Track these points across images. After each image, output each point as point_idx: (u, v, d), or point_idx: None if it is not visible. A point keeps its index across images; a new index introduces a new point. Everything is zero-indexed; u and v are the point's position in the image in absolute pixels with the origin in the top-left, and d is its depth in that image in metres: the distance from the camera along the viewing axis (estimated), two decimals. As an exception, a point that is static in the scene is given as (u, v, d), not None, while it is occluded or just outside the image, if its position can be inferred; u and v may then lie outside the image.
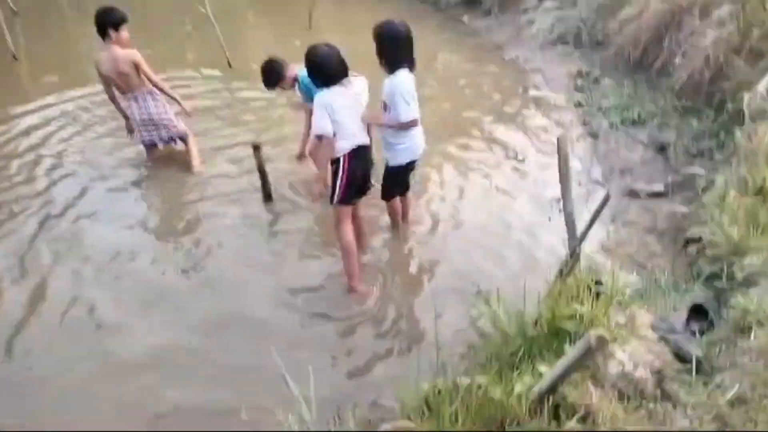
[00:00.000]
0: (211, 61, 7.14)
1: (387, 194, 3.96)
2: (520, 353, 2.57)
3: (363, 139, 3.47)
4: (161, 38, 7.99)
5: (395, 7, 8.28)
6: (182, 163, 4.99)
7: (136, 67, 4.52)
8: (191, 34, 8.52)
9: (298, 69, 4.09)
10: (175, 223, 4.40)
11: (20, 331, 3.36)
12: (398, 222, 4.17)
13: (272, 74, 4.24)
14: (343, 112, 3.33)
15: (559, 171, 3.20)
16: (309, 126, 4.29)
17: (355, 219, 3.78)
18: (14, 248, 4.04)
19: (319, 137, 3.37)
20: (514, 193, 4.61)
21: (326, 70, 3.32)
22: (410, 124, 3.54)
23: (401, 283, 3.77)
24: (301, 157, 4.84)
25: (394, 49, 3.43)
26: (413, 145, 3.68)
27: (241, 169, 4.92)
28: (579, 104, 5.90)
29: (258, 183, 4.45)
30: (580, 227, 3.05)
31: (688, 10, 5.58)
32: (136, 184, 4.86)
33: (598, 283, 2.66)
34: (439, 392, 2.28)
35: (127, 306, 3.56)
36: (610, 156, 4.99)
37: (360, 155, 3.47)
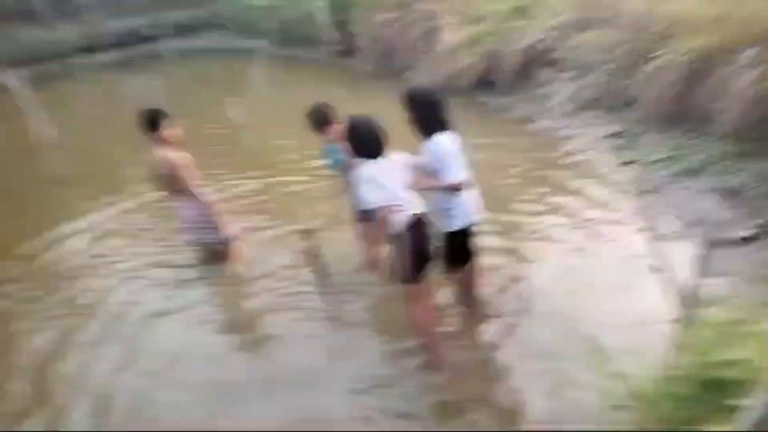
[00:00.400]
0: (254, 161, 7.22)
1: (448, 265, 3.76)
2: (674, 416, 2.26)
3: (418, 208, 3.31)
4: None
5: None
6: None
7: (177, 170, 4.31)
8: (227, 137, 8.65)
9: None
10: (234, 320, 4.22)
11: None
12: (467, 297, 3.93)
13: (319, 116, 4.09)
14: (392, 184, 3.19)
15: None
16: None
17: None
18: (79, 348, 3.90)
19: (367, 213, 3.22)
20: (589, 255, 4.40)
21: (366, 141, 3.23)
22: (460, 186, 3.41)
23: (495, 363, 3.46)
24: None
25: (430, 112, 3.38)
26: (467, 207, 3.55)
27: (296, 259, 4.78)
28: (626, 162, 5.82)
29: (314, 269, 4.30)
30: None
31: (712, 57, 5.62)
32: (190, 283, 4.71)
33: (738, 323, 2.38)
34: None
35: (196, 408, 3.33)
36: (679, 208, 4.82)
37: (419, 225, 3.29)
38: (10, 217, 6.26)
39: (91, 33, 19.87)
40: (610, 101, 7.10)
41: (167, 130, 4.31)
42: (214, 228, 4.62)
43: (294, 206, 5.82)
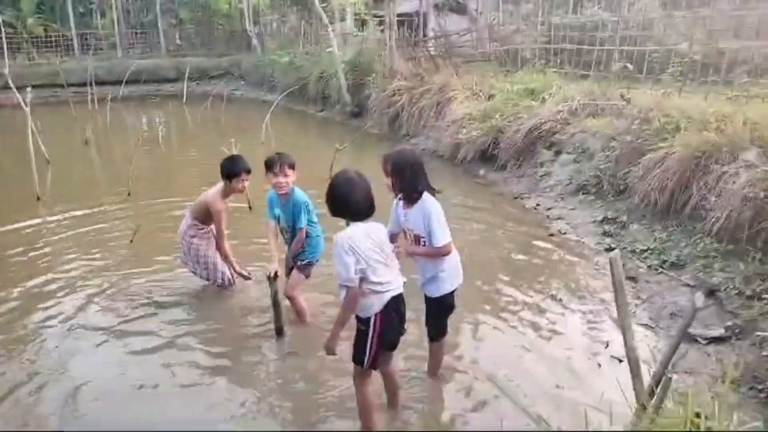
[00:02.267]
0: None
1: (442, 331, 3.45)
2: None
3: (398, 286, 2.90)
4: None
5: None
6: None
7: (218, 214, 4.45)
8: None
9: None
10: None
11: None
12: (433, 368, 3.61)
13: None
14: (372, 257, 2.76)
15: (615, 292, 2.80)
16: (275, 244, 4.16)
17: (389, 375, 3.20)
18: None
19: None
20: (554, 338, 4.10)
21: (352, 202, 2.78)
22: (448, 248, 3.18)
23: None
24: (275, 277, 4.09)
25: (415, 176, 3.17)
26: (455, 269, 3.32)
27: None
28: (610, 248, 5.61)
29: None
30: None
31: (712, 155, 5.52)
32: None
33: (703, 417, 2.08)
34: None
35: None
36: (656, 300, 4.56)
37: (394, 306, 2.89)
38: None
39: (114, 67, 20.70)
40: (605, 188, 6.95)
41: (242, 184, 4.39)
42: (213, 269, 4.71)
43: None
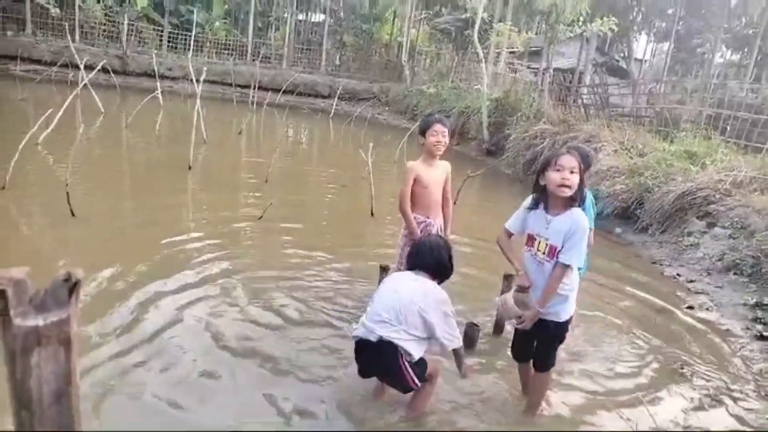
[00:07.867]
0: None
1: (553, 360, 3.10)
2: None
3: (361, 333, 2.89)
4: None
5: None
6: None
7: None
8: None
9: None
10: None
11: None
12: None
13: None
14: (375, 298, 3.02)
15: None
16: None
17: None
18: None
19: None
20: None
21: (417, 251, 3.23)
22: (569, 273, 2.85)
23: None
24: None
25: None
26: (576, 292, 2.99)
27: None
28: (761, 336, 4.78)
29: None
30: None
31: None
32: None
33: None
34: None
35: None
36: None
37: (358, 348, 2.98)
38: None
39: (277, 76, 22.49)
40: (765, 271, 6.04)
41: (432, 138, 3.97)
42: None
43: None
